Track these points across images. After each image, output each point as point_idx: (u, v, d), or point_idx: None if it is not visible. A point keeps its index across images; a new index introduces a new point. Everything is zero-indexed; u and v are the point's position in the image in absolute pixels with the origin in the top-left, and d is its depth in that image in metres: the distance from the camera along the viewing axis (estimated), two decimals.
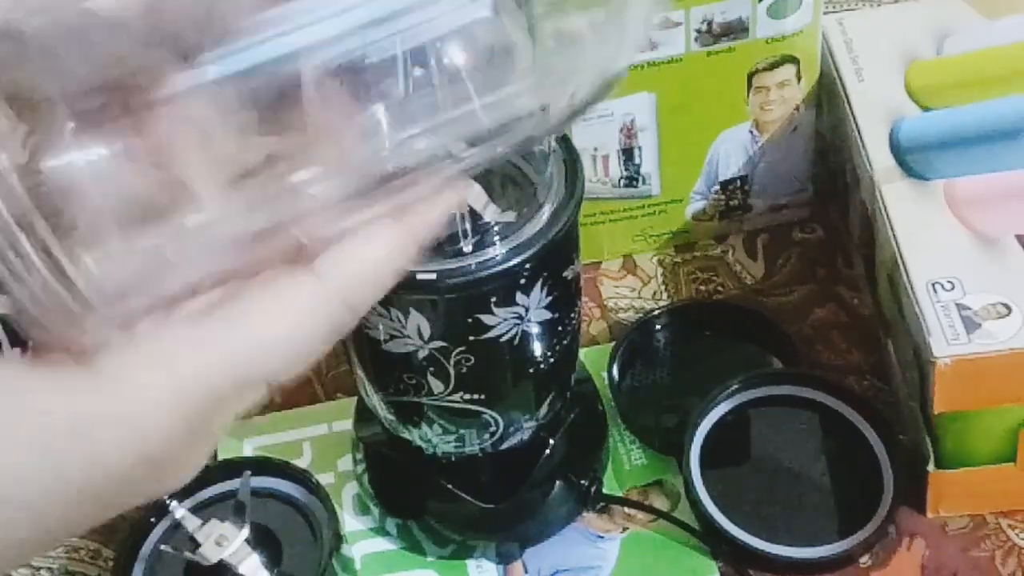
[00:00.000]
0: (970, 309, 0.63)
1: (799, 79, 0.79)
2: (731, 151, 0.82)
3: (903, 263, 0.66)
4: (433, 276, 0.54)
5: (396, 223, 0.41)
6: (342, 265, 0.39)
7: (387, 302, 0.56)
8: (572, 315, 0.62)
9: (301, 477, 0.70)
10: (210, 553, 0.64)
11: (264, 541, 0.66)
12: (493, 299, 0.56)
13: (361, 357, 0.62)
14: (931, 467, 0.67)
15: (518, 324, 0.58)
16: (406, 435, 0.65)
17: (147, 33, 0.36)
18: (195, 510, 0.67)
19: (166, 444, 0.36)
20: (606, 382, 0.75)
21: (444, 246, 0.56)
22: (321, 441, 0.76)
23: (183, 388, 0.36)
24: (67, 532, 0.36)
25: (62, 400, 0.34)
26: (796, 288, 0.82)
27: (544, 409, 0.65)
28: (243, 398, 0.38)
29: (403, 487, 0.70)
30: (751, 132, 0.81)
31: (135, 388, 0.35)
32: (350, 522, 0.72)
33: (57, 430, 0.34)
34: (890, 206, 0.69)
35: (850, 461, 0.70)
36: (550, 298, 0.58)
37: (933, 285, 0.65)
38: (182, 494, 0.69)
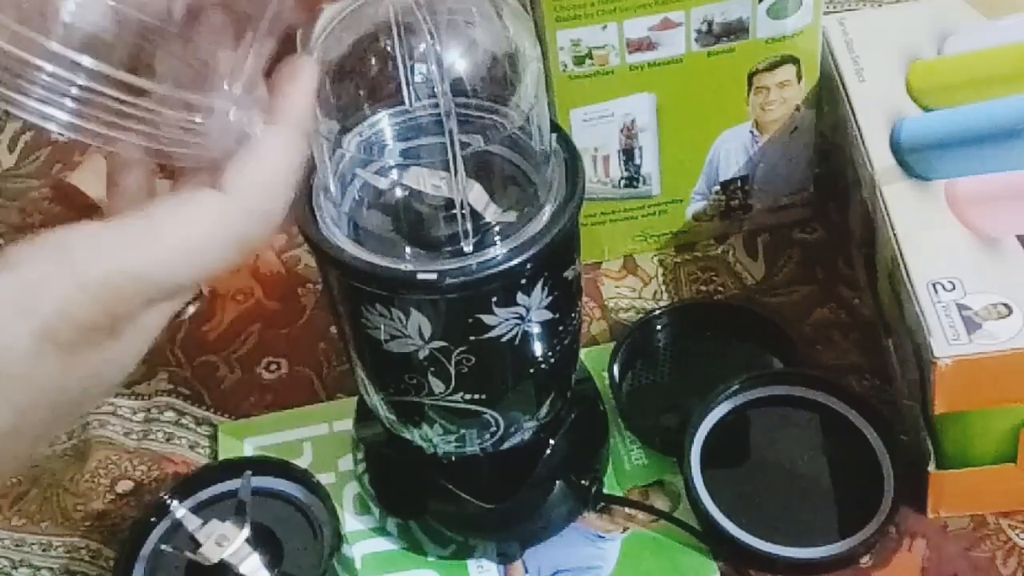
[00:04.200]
0: (971, 309, 0.63)
1: (800, 79, 0.79)
2: (731, 151, 0.82)
3: (903, 263, 0.66)
4: (434, 276, 0.54)
5: (275, 124, 0.44)
6: (244, 176, 0.43)
7: (388, 302, 0.56)
8: (573, 315, 0.62)
9: (302, 477, 0.70)
10: (211, 553, 0.64)
11: (264, 541, 0.66)
12: (494, 299, 0.56)
13: (362, 357, 0.62)
14: (932, 467, 0.67)
15: (519, 324, 0.58)
16: (407, 435, 0.65)
17: None
18: (196, 510, 0.67)
19: (76, 333, 0.39)
20: (607, 382, 0.75)
21: (445, 246, 0.56)
22: (322, 441, 0.76)
23: (84, 286, 0.39)
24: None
25: None
26: (796, 288, 0.82)
27: (545, 409, 0.65)
28: (157, 298, 0.42)
29: (404, 487, 0.70)
30: (751, 132, 0.81)
31: (39, 277, 0.39)
32: (351, 522, 0.72)
33: None
34: (891, 206, 0.69)
35: (850, 461, 0.70)
36: (551, 298, 0.58)
37: (934, 285, 0.65)
38: (183, 494, 0.69)
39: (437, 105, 0.53)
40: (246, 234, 0.43)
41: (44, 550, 0.73)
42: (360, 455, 0.72)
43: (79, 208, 0.94)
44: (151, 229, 0.41)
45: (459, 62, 0.55)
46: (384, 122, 0.59)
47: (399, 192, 0.58)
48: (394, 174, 0.58)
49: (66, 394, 0.41)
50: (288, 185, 0.44)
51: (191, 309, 0.71)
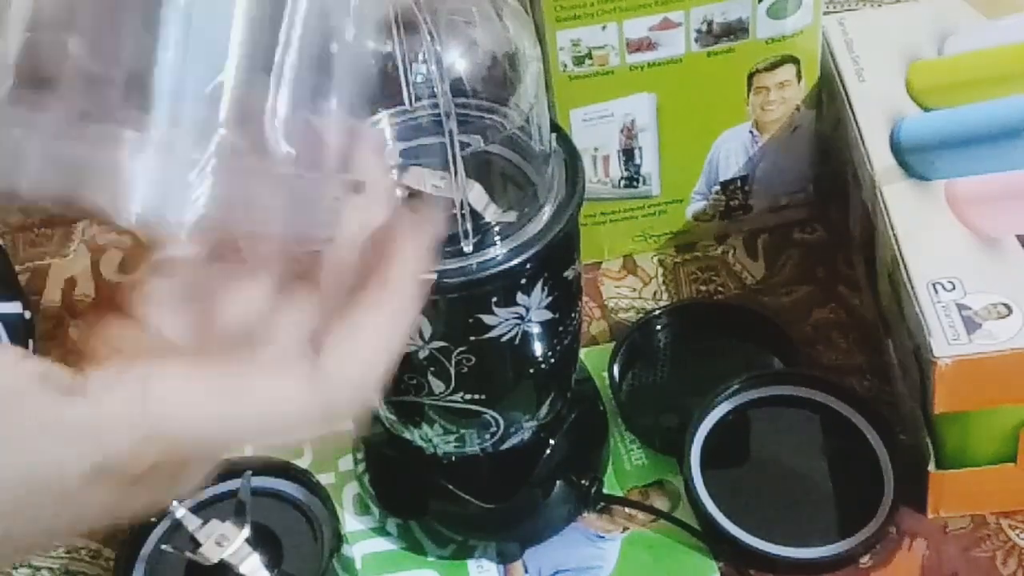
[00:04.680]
0: (971, 309, 0.63)
1: (799, 79, 0.79)
2: (731, 151, 0.82)
3: (903, 263, 0.66)
4: (434, 276, 0.54)
5: (385, 291, 0.40)
6: (343, 349, 0.39)
7: None
8: (573, 315, 0.62)
9: (302, 477, 0.70)
10: (211, 553, 0.64)
11: (265, 541, 0.66)
12: (494, 299, 0.56)
13: None
14: (931, 467, 0.67)
15: (519, 324, 0.58)
16: (407, 435, 0.65)
17: None
18: (196, 510, 0.67)
19: (137, 473, 0.37)
20: (607, 382, 0.75)
21: (445, 246, 0.56)
22: (321, 441, 0.76)
23: (155, 438, 0.37)
24: (25, 537, 0.38)
25: (44, 400, 0.36)
26: (796, 288, 0.82)
27: (545, 409, 0.65)
28: (217, 456, 0.40)
29: (404, 487, 0.70)
30: (751, 132, 0.81)
31: (113, 414, 0.36)
32: (351, 522, 0.72)
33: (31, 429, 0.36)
34: (891, 206, 0.69)
35: (850, 461, 0.70)
36: (551, 298, 0.58)
37: (934, 285, 0.65)
38: None
39: (437, 105, 0.53)
40: (332, 411, 0.39)
41: (44, 550, 0.73)
42: (360, 455, 0.72)
43: (78, 208, 0.94)
44: (235, 390, 0.38)
45: (459, 62, 0.55)
46: (384, 122, 0.59)
47: (399, 192, 0.58)
48: (394, 174, 0.58)
49: (105, 520, 0.39)
50: (387, 362, 0.40)
51: None
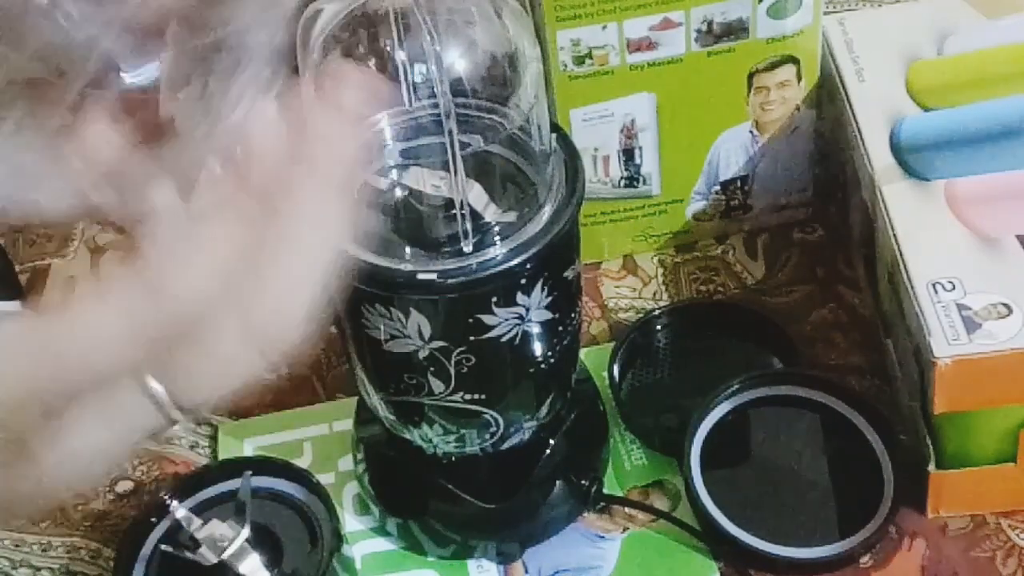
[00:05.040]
0: (971, 309, 0.63)
1: (799, 79, 0.79)
2: (731, 151, 0.82)
3: (903, 263, 0.66)
4: (434, 276, 0.54)
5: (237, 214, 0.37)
6: (170, 274, 0.36)
7: (388, 302, 0.56)
8: (573, 315, 0.62)
9: (302, 477, 0.70)
10: (211, 553, 0.64)
11: (264, 541, 0.66)
12: (494, 299, 0.56)
13: (361, 357, 0.62)
14: (931, 467, 0.67)
15: (519, 324, 0.58)
16: (406, 435, 0.65)
17: None
18: (195, 510, 0.67)
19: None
20: (606, 382, 0.75)
21: (445, 246, 0.56)
22: (321, 441, 0.76)
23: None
24: None
25: None
26: (796, 288, 0.82)
27: (545, 409, 0.65)
28: (64, 390, 0.36)
29: (403, 487, 0.70)
30: (751, 132, 0.81)
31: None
32: (350, 522, 0.72)
33: None
34: (890, 206, 0.69)
35: (850, 461, 0.70)
36: (551, 298, 0.58)
37: (933, 285, 0.65)
38: (183, 494, 0.69)
39: (437, 105, 0.53)
40: (153, 328, 0.36)
41: (44, 550, 0.73)
42: (360, 455, 0.72)
43: None
44: (47, 333, 0.36)
45: (459, 62, 0.55)
46: (384, 122, 0.59)
47: (399, 192, 0.58)
48: (394, 174, 0.58)
49: None
50: (213, 271, 0.36)
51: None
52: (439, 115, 0.53)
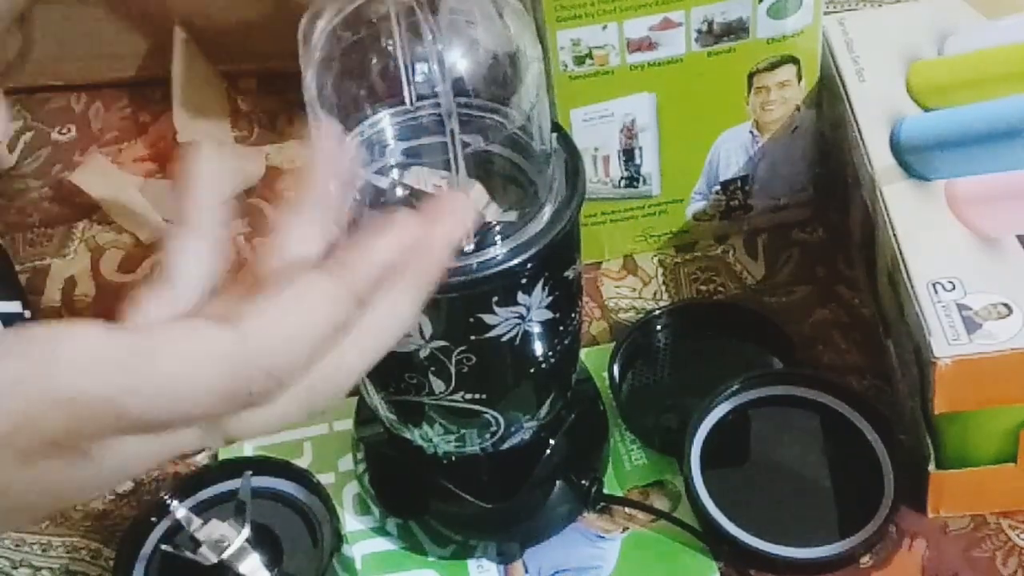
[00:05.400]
0: (971, 309, 0.63)
1: (799, 79, 0.79)
2: (731, 151, 0.82)
3: (903, 263, 0.66)
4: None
5: (331, 276, 0.39)
6: (267, 329, 0.38)
7: None
8: (573, 315, 0.62)
9: (302, 477, 0.70)
10: (210, 553, 0.64)
11: (264, 541, 0.66)
12: (494, 299, 0.56)
13: None
14: (932, 467, 0.67)
15: (519, 324, 0.58)
16: (407, 435, 0.65)
17: None
18: (196, 510, 0.67)
19: (37, 443, 0.36)
20: (607, 382, 0.75)
21: None
22: (322, 441, 0.76)
23: (57, 400, 0.36)
24: None
25: None
26: (796, 288, 0.82)
27: (545, 409, 0.65)
28: (131, 430, 0.38)
29: (404, 487, 0.70)
30: (751, 132, 0.81)
31: (13, 375, 0.36)
32: (351, 522, 0.72)
33: None
34: (891, 206, 0.69)
35: (850, 461, 0.70)
36: (551, 298, 0.58)
37: (934, 285, 0.65)
38: (183, 494, 0.69)
39: (438, 105, 0.53)
40: (247, 386, 0.38)
41: (44, 550, 0.73)
42: (360, 455, 0.72)
43: (79, 208, 0.95)
44: (147, 356, 0.37)
45: (460, 62, 0.55)
46: (385, 122, 0.59)
47: (400, 192, 0.58)
48: (395, 173, 0.58)
49: (12, 499, 0.37)
50: (313, 345, 0.39)
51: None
52: (440, 115, 0.53)
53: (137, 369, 0.37)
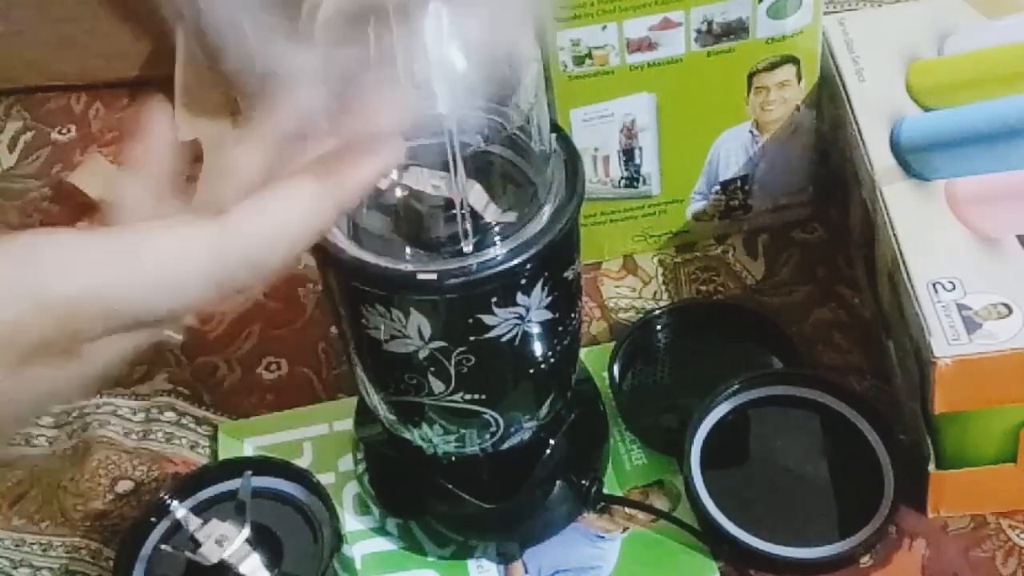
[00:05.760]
0: (971, 309, 0.63)
1: (799, 79, 0.79)
2: (731, 151, 0.82)
3: (904, 263, 0.66)
4: (434, 276, 0.54)
5: (317, 182, 0.40)
6: (250, 221, 0.39)
7: (388, 302, 0.56)
8: (573, 315, 0.62)
9: (302, 477, 0.70)
10: (211, 553, 0.64)
11: (264, 541, 0.66)
12: (494, 299, 0.56)
13: (362, 357, 0.62)
14: (932, 467, 0.67)
15: (519, 324, 0.58)
16: (406, 435, 0.65)
17: None
18: (196, 510, 0.67)
19: (28, 348, 0.36)
20: (607, 382, 0.75)
21: (445, 246, 0.56)
22: (322, 441, 0.77)
23: (46, 303, 0.36)
24: None
25: None
26: (796, 288, 0.82)
27: (545, 409, 0.65)
28: (123, 327, 0.38)
29: (403, 487, 0.70)
30: (751, 132, 0.81)
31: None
32: (351, 522, 0.72)
33: None
34: (891, 206, 0.69)
35: (850, 461, 0.70)
36: (551, 298, 0.58)
37: (934, 285, 0.65)
38: (183, 494, 0.69)
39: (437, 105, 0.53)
40: (231, 276, 0.39)
41: (44, 550, 0.73)
42: (360, 455, 0.72)
43: (79, 208, 0.95)
44: (131, 250, 0.37)
45: (459, 63, 0.55)
46: None
47: (399, 192, 0.58)
48: (394, 174, 0.58)
49: (4, 405, 0.38)
50: (293, 242, 0.40)
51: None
52: (439, 115, 0.53)
53: (123, 262, 0.37)
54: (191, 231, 0.38)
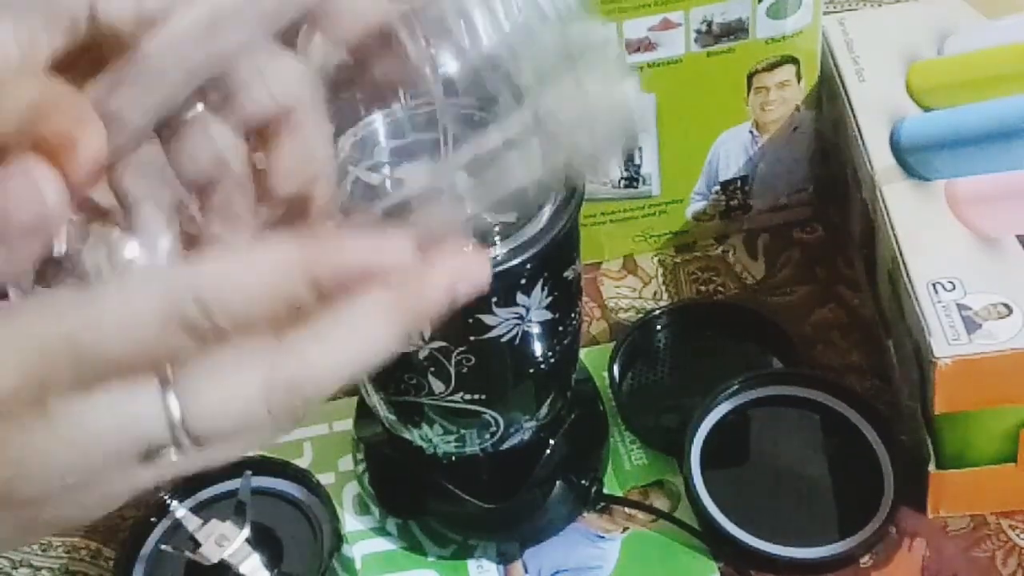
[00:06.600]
0: (971, 309, 0.63)
1: (799, 79, 0.79)
2: (731, 151, 0.82)
3: (903, 263, 0.66)
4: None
5: (296, 245, 0.37)
6: (211, 264, 0.36)
7: None
8: (573, 315, 0.62)
9: (302, 477, 0.70)
10: (210, 553, 0.64)
11: (264, 541, 0.66)
12: (494, 299, 0.56)
13: None
14: (932, 467, 0.67)
15: (519, 324, 0.58)
16: (406, 435, 0.65)
17: None
18: (195, 510, 0.67)
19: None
20: (607, 382, 0.75)
21: None
22: (322, 441, 0.76)
23: (10, 340, 0.35)
24: None
25: None
26: (796, 288, 0.82)
27: (545, 409, 0.65)
28: (90, 374, 0.36)
29: (403, 487, 0.70)
30: (751, 132, 0.81)
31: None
32: (351, 522, 0.72)
33: None
34: (891, 206, 0.69)
35: (850, 461, 0.70)
36: (551, 298, 0.58)
37: (934, 285, 0.65)
38: (183, 494, 0.69)
39: (431, 103, 0.53)
40: (185, 317, 0.36)
41: (44, 550, 0.73)
42: (360, 455, 0.72)
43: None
44: (92, 295, 0.36)
45: (452, 63, 0.55)
46: (378, 121, 0.59)
47: (390, 187, 0.58)
48: (386, 171, 0.58)
49: None
50: (249, 293, 0.36)
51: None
52: (433, 113, 0.52)
53: (87, 305, 0.35)
54: (151, 274, 0.37)
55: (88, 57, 0.38)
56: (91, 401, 0.36)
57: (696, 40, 0.76)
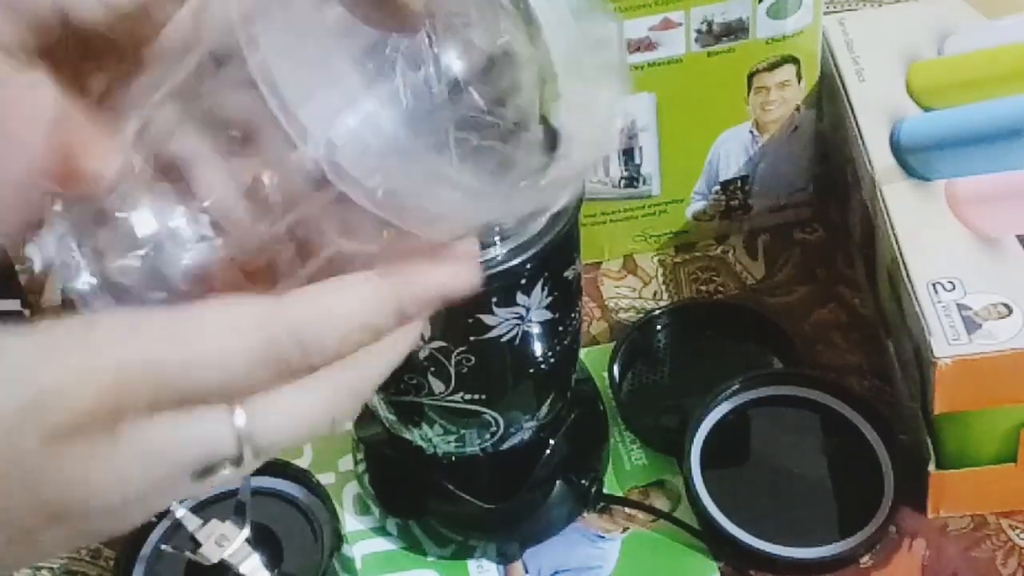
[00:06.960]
0: (971, 309, 0.63)
1: (799, 79, 0.79)
2: (731, 151, 0.82)
3: (904, 263, 0.66)
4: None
5: (381, 279, 0.38)
6: (302, 303, 0.37)
7: None
8: (573, 315, 0.62)
9: (302, 477, 0.70)
10: (210, 553, 0.64)
11: (265, 541, 0.66)
12: (494, 299, 0.56)
13: None
14: (932, 467, 0.67)
15: (519, 324, 0.58)
16: (407, 435, 0.65)
17: None
18: (195, 510, 0.67)
19: (68, 417, 0.34)
20: (607, 382, 0.75)
21: None
22: (322, 441, 0.76)
23: (93, 368, 0.34)
24: None
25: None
26: (796, 288, 0.82)
27: (545, 409, 0.65)
28: (168, 401, 0.36)
29: (403, 487, 0.70)
30: (751, 132, 0.81)
31: (48, 344, 0.35)
32: (351, 522, 0.72)
33: None
34: (891, 206, 0.69)
35: (850, 461, 0.70)
36: (551, 298, 0.58)
37: (934, 285, 0.65)
38: None
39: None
40: (281, 357, 0.37)
41: None
42: (360, 455, 0.72)
43: None
44: (185, 320, 0.36)
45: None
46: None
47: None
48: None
49: (31, 491, 0.35)
50: (345, 332, 0.37)
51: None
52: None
53: (176, 334, 0.36)
54: (246, 306, 0.37)
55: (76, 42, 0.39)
56: (161, 421, 0.36)
57: (696, 40, 0.76)
